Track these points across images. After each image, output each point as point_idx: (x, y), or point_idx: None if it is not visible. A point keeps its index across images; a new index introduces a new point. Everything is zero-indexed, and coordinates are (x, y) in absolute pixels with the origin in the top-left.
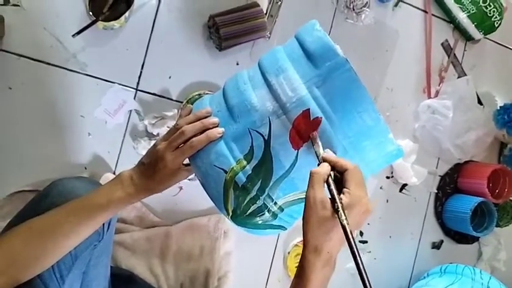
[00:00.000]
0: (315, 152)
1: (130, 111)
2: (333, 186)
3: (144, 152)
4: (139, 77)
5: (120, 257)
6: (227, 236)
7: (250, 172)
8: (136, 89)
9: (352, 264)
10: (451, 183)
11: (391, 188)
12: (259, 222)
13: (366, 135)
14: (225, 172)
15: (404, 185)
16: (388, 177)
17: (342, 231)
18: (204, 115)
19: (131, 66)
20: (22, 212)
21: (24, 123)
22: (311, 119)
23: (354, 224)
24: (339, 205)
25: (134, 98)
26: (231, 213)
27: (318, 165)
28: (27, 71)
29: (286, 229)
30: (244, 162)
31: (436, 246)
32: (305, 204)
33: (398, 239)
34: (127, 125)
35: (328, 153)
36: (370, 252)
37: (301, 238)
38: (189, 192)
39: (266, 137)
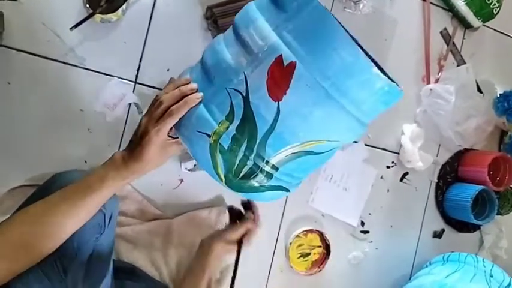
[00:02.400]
0: None
1: (130, 104)
2: None
3: None
4: (138, 70)
5: (122, 250)
6: None
7: (234, 132)
8: (135, 82)
9: (355, 253)
10: (451, 172)
11: (391, 177)
12: (256, 184)
13: (347, 74)
14: (209, 136)
15: (405, 174)
16: (388, 167)
17: None
18: (182, 83)
19: (129, 59)
20: (23, 206)
21: (23, 118)
22: (285, 65)
23: None
24: None
25: (133, 91)
26: (223, 179)
27: None
28: (26, 65)
29: (289, 191)
30: (227, 123)
31: (438, 235)
32: None
33: (400, 229)
34: (126, 118)
35: None
36: (371, 242)
37: (304, 228)
38: (189, 185)
39: (244, 93)
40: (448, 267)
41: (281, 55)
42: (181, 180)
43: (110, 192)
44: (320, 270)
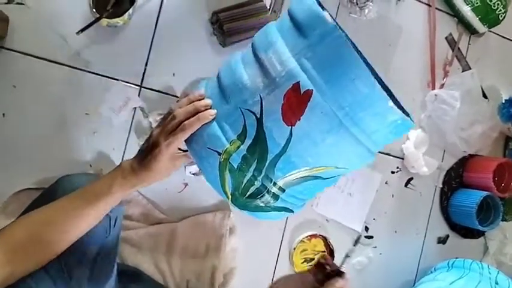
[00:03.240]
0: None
1: (135, 108)
2: None
3: None
4: (144, 74)
5: (126, 254)
6: (233, 232)
7: (244, 152)
8: (141, 86)
9: (359, 259)
10: (456, 178)
11: (396, 182)
12: (261, 204)
13: (362, 105)
14: (219, 154)
15: (410, 179)
16: (393, 172)
17: None
18: (197, 98)
19: (135, 63)
20: (28, 209)
21: (29, 122)
22: (302, 92)
23: None
24: None
25: (138, 95)
26: (230, 196)
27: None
28: (32, 69)
29: (293, 212)
30: (238, 143)
31: (442, 241)
32: None
33: (404, 234)
34: (132, 122)
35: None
36: (376, 247)
37: (308, 233)
38: (194, 189)
39: (258, 115)
40: (452, 274)
41: (298, 82)
42: (186, 184)
43: (116, 200)
44: None
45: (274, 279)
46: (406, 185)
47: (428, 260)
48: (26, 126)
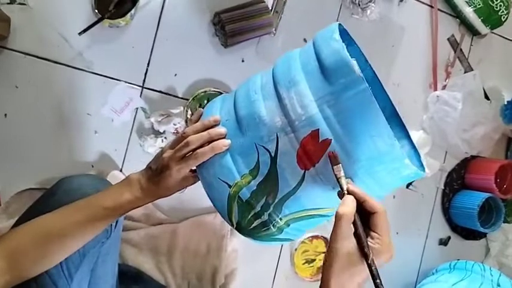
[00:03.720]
0: (336, 177)
1: (137, 108)
2: (361, 231)
3: (150, 150)
4: (145, 75)
5: (128, 255)
6: (234, 233)
7: (255, 188)
8: (142, 87)
9: None
10: (458, 179)
11: None
12: (264, 235)
13: (379, 161)
14: (229, 186)
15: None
16: None
17: (367, 275)
18: (211, 124)
19: (137, 64)
20: (30, 209)
21: (30, 122)
22: (320, 140)
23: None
24: (371, 255)
25: (140, 96)
26: (235, 225)
27: (340, 194)
28: (34, 69)
29: (293, 240)
30: (249, 178)
31: (444, 242)
32: (330, 251)
33: (406, 235)
34: (133, 122)
35: (353, 186)
36: None
37: (309, 234)
38: (195, 190)
39: (273, 154)
40: (454, 275)
41: (318, 130)
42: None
43: (122, 213)
44: None
45: (276, 281)
46: (407, 187)
47: (429, 262)
48: (28, 127)
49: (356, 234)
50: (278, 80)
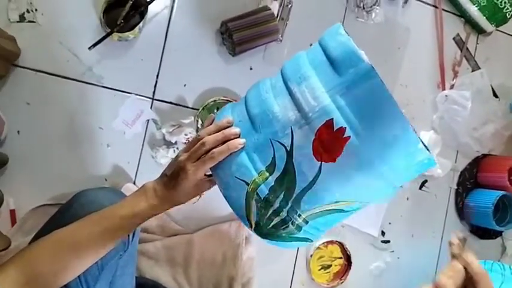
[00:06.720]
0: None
1: (148, 120)
2: None
3: (162, 161)
4: (155, 86)
5: (144, 267)
6: (249, 241)
7: (272, 184)
8: (153, 99)
9: (376, 264)
10: (470, 178)
11: (410, 185)
12: (283, 234)
13: (393, 145)
14: (247, 184)
15: (424, 181)
16: None
17: None
18: (225, 125)
19: (146, 76)
20: (47, 225)
21: (43, 138)
22: (334, 129)
23: None
24: None
25: (151, 108)
26: (254, 225)
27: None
28: (45, 85)
29: (312, 241)
30: (267, 174)
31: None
32: None
33: (421, 237)
34: (145, 134)
35: (470, 256)
36: (393, 251)
37: (324, 239)
38: (209, 199)
39: (288, 148)
40: None
41: (332, 119)
42: (200, 195)
43: (139, 223)
44: (342, 282)
45: (292, 286)
46: (420, 188)
47: (446, 262)
48: (41, 143)
49: None
50: (288, 77)
